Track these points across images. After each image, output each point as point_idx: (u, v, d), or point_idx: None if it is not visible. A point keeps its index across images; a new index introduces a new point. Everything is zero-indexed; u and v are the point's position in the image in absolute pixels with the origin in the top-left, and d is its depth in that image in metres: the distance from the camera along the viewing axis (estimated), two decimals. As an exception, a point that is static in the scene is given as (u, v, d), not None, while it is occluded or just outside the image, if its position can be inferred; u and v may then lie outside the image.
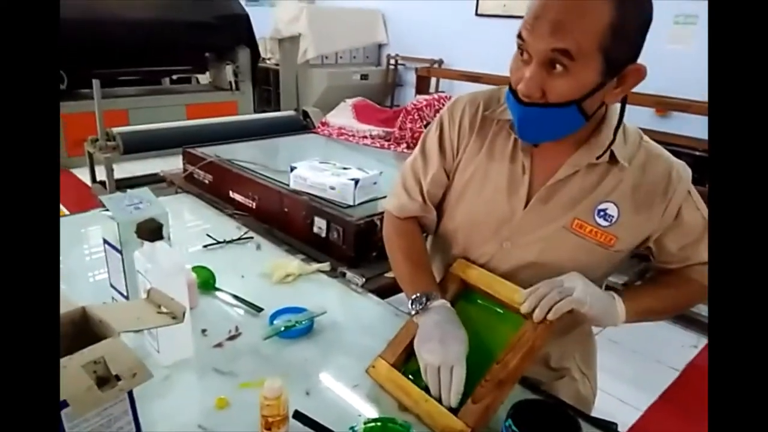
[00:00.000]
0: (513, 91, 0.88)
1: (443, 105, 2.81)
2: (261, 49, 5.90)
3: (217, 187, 1.95)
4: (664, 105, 3.22)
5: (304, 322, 1.11)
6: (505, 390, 0.87)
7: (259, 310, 1.18)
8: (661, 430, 2.11)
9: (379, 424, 0.83)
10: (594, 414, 1.22)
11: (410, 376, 0.94)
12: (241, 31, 5.44)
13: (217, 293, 1.25)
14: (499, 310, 0.99)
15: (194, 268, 1.26)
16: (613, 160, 0.94)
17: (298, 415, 0.84)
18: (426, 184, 1.09)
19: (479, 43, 5.32)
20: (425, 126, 2.59)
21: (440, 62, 5.74)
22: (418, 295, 0.98)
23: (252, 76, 5.70)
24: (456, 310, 1.00)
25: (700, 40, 4.14)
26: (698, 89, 3.54)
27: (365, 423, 0.83)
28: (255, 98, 5.87)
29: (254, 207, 1.78)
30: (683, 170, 0.97)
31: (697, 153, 2.96)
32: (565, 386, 1.13)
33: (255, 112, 5.58)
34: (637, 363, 2.50)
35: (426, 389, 0.90)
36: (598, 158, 0.93)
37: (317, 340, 1.11)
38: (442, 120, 1.08)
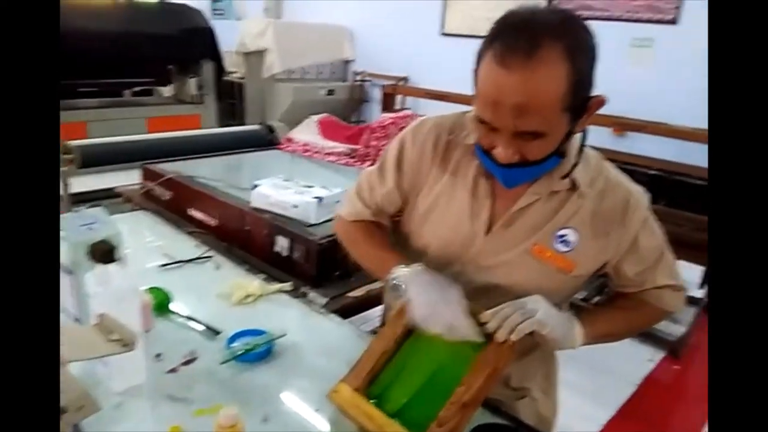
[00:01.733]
0: (486, 152, 0.89)
1: (408, 123, 2.82)
2: (226, 62, 5.84)
3: (176, 205, 1.90)
4: (621, 125, 3.33)
5: (263, 345, 1.09)
6: (469, 412, 0.86)
7: (217, 332, 1.15)
8: (620, 445, 2.14)
9: (338, 450, 0.82)
10: (555, 431, 1.24)
11: (374, 400, 0.93)
12: (205, 44, 5.37)
13: (173, 316, 1.22)
14: None
15: (149, 290, 1.22)
16: (573, 186, 0.96)
17: (255, 444, 0.82)
18: (378, 198, 1.10)
19: (444, 62, 5.40)
20: (390, 143, 2.60)
21: (405, 79, 5.80)
22: (391, 272, 0.98)
23: (216, 89, 5.62)
24: (418, 334, 1.00)
25: (656, 63, 4.31)
26: (654, 110, 3.69)
27: (324, 450, 0.81)
28: (219, 112, 5.79)
29: (214, 225, 1.74)
30: (640, 197, 0.99)
31: (652, 172, 3.06)
32: (526, 406, 1.14)
33: (219, 126, 5.50)
34: (596, 378, 2.54)
35: (391, 414, 0.90)
36: (563, 178, 0.94)
37: (277, 364, 1.09)
38: (405, 139, 1.08)
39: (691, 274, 2.93)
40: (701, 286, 3.02)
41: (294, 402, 1.00)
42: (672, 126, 3.10)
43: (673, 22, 4.21)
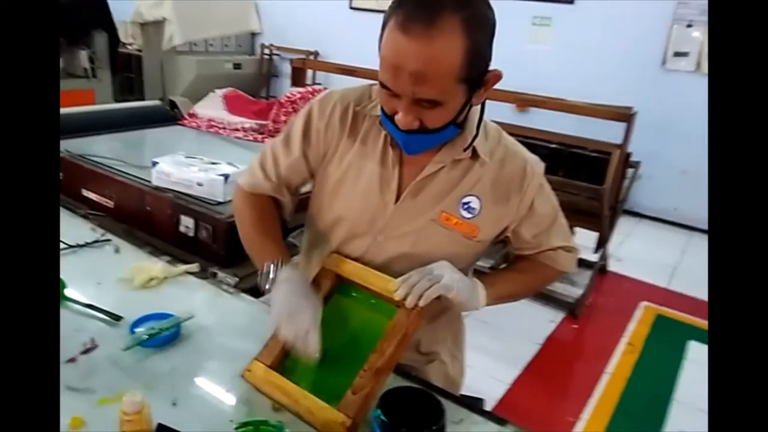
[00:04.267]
0: (390, 117, 0.90)
1: (318, 98, 2.79)
2: (121, 33, 5.43)
3: (68, 186, 1.76)
4: (523, 101, 3.47)
5: (169, 329, 1.05)
6: (382, 378, 0.89)
7: (118, 318, 1.09)
8: (527, 400, 2.29)
9: (251, 427, 0.81)
10: (465, 391, 1.30)
11: (288, 375, 0.93)
12: (96, 13, 4.96)
13: (70, 304, 1.14)
14: (373, 301, 1.00)
15: (40, 277, 1.13)
16: (474, 155, 1.00)
17: (162, 429, 0.79)
18: (283, 168, 1.10)
19: (354, 37, 5.36)
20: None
21: (316, 54, 5.70)
22: (265, 266, 1.00)
23: (111, 62, 5.23)
24: (332, 304, 1.01)
25: (555, 40, 4.54)
26: (553, 86, 3.89)
27: (236, 428, 0.80)
28: (115, 87, 5.40)
29: (112, 206, 1.64)
30: (536, 165, 1.05)
31: (552, 145, 3.23)
32: (436, 369, 1.19)
33: (115, 101, 5.13)
34: (504, 339, 2.69)
35: (306, 387, 0.90)
36: (464, 149, 0.98)
37: (185, 347, 1.06)
38: (311, 110, 1.08)
39: (586, 239, 3.16)
40: (596, 250, 3.27)
41: (204, 384, 0.98)
42: (569, 102, 3.28)
43: (570, 1, 4.44)
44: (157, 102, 3.49)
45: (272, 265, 0.99)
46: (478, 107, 0.98)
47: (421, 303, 0.91)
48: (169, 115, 3.20)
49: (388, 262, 1.04)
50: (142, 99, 5.15)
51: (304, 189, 1.19)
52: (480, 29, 0.83)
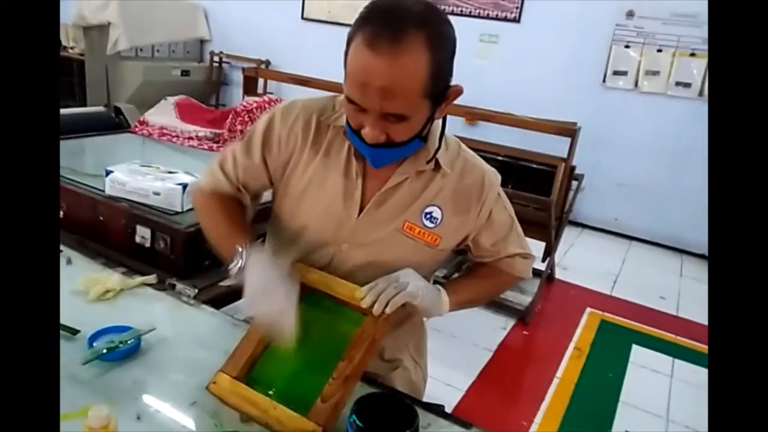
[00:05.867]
0: (356, 132, 0.92)
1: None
2: (62, 36, 5.23)
3: (12, 195, 1.68)
4: (473, 115, 3.57)
5: (129, 342, 1.02)
6: (351, 385, 0.90)
7: (75, 332, 1.06)
8: (482, 406, 2.34)
9: (221, 439, 0.81)
10: (424, 399, 1.33)
11: (255, 386, 0.93)
12: (34, 14, 4.74)
13: (20, 317, 1.09)
14: (340, 309, 1.01)
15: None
16: (436, 167, 1.03)
17: (130, 443, 0.77)
18: (241, 172, 1.10)
19: (306, 47, 5.37)
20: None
21: (267, 63, 5.66)
22: (235, 250, 0.97)
23: (50, 66, 5.00)
24: (298, 314, 1.01)
25: (502, 57, 4.70)
26: (500, 101, 4.03)
27: (207, 440, 0.79)
28: (55, 91, 5.16)
29: (62, 216, 1.58)
30: (494, 176, 1.10)
31: (500, 158, 3.34)
32: (399, 376, 1.21)
33: (55, 107, 4.91)
34: (457, 347, 2.74)
35: (274, 397, 0.90)
36: (428, 162, 1.01)
37: (146, 360, 1.03)
38: (274, 116, 1.08)
39: (534, 249, 3.26)
40: (543, 259, 3.39)
41: (169, 398, 0.96)
42: (518, 116, 3.40)
43: (516, 20, 4.62)
44: (101, 108, 3.37)
45: (242, 250, 0.97)
46: (440, 121, 1.02)
47: (388, 310, 0.93)
48: (114, 123, 3.09)
49: (353, 270, 1.05)
50: (84, 105, 4.96)
51: (265, 198, 1.19)
52: (442, 46, 0.87)
